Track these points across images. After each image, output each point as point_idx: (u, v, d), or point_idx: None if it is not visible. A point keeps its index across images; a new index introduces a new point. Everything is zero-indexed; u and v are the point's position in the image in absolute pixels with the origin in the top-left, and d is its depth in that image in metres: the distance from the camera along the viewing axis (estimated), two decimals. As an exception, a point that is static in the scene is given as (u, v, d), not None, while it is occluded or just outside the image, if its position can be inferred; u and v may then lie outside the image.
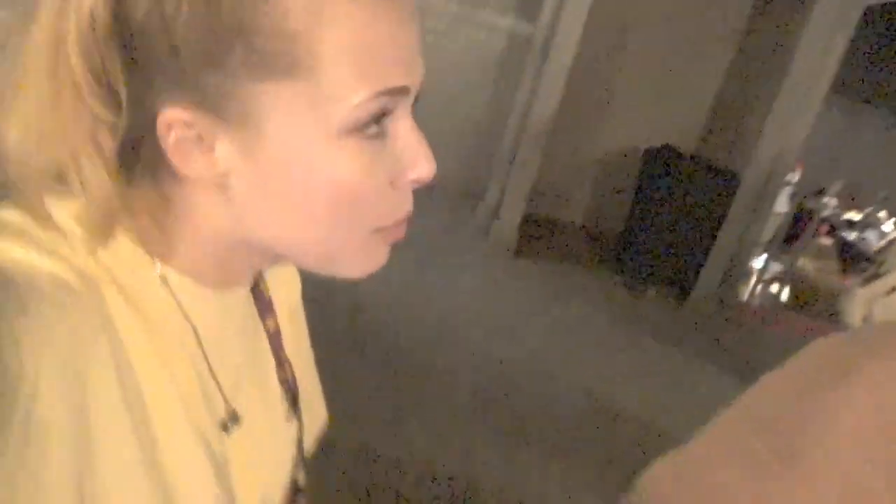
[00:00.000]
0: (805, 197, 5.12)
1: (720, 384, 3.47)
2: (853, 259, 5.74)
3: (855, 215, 6.50)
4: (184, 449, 0.46)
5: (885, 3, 3.69)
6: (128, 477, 0.42)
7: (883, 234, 6.37)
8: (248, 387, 0.54)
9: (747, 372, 3.49)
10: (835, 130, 5.66)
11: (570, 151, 4.77)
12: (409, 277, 3.61)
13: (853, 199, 6.50)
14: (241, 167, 0.42)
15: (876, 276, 2.61)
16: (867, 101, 5.78)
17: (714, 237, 4.25)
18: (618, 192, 4.80)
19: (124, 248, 0.44)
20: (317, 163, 0.42)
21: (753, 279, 4.90)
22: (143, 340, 0.44)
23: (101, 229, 0.42)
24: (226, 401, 0.51)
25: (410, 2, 0.44)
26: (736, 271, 4.43)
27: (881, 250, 5.55)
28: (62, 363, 0.37)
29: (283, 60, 0.40)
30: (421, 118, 0.47)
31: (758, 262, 4.84)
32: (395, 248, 0.50)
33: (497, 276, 3.99)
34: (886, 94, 5.92)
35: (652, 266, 4.34)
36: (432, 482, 2.34)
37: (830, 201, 5.41)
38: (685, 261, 4.31)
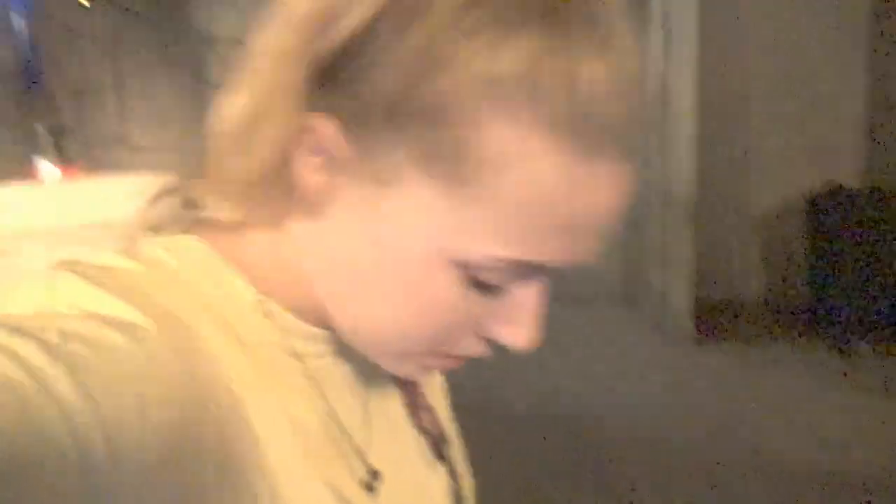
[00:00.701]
0: None
1: None
2: None
3: None
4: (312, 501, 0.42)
5: None
6: None
7: None
8: (380, 436, 0.50)
9: None
10: None
11: (725, 224, 4.48)
12: (593, 388, 3.44)
13: None
14: (346, 206, 0.40)
15: None
16: None
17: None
18: (791, 251, 4.40)
19: (222, 278, 0.42)
20: (411, 264, 0.39)
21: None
22: (253, 378, 0.40)
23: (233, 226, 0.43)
24: (361, 455, 0.47)
25: (626, 180, 0.39)
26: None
27: None
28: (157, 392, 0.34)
29: (450, 168, 0.36)
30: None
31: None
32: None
33: (681, 367, 3.69)
34: None
35: (858, 319, 3.85)
36: None
37: None
38: (893, 303, 3.79)
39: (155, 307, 0.37)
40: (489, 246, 0.37)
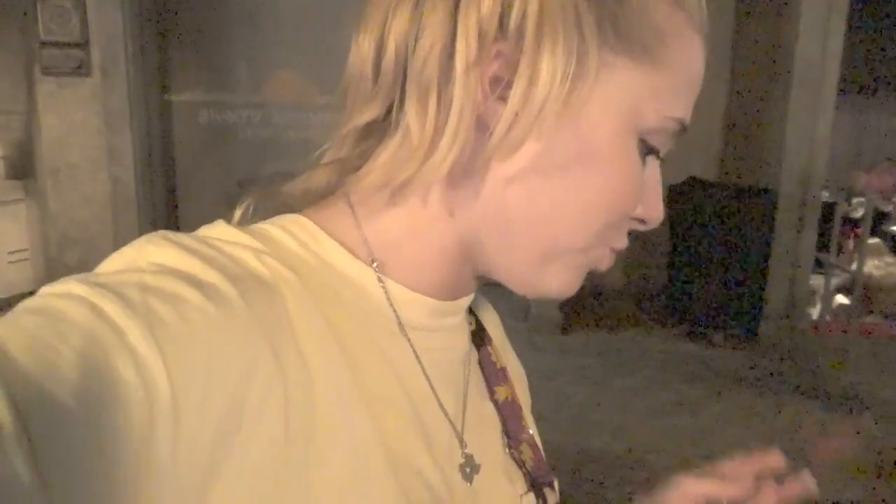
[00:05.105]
0: (835, 202, 4.84)
1: (820, 417, 3.18)
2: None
3: (884, 205, 6.24)
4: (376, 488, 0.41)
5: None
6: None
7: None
8: (471, 431, 0.50)
9: (841, 394, 3.21)
10: (842, 127, 5.48)
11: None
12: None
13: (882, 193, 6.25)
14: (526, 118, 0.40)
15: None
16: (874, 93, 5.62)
17: (766, 261, 3.94)
18: (653, 241, 4.51)
19: (326, 249, 0.44)
20: (605, 143, 0.42)
21: (818, 297, 4.55)
22: (334, 350, 0.40)
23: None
24: (460, 440, 0.48)
25: None
26: (800, 291, 4.09)
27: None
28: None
29: (640, 44, 0.41)
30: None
31: (814, 279, 4.50)
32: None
33: (549, 357, 3.66)
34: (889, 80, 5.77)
35: (712, 308, 4.00)
36: None
37: (860, 201, 5.12)
38: (744, 294, 3.98)
39: (241, 270, 0.38)
40: (669, 108, 0.43)
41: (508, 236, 0.44)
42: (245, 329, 0.36)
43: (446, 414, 0.47)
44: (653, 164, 0.46)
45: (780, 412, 3.24)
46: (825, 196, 4.85)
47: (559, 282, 0.46)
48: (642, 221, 0.46)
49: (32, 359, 0.29)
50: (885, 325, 4.45)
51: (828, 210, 4.98)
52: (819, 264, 4.61)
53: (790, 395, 3.38)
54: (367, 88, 0.43)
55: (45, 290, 0.34)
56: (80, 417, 0.28)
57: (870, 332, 4.29)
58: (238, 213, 0.46)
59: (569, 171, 0.42)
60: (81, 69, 3.71)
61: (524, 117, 0.40)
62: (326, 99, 4.42)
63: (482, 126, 0.41)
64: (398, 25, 0.41)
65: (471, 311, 0.55)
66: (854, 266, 4.60)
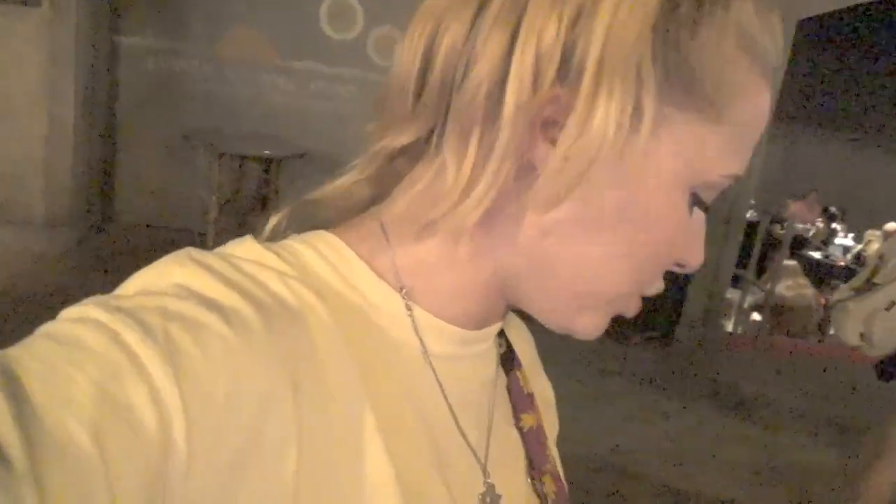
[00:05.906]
0: (759, 222, 5.08)
1: (719, 421, 3.35)
2: (824, 275, 5.76)
3: (806, 230, 6.57)
4: None
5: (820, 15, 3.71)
6: None
7: (846, 249, 6.44)
8: (494, 462, 0.48)
9: (740, 402, 3.39)
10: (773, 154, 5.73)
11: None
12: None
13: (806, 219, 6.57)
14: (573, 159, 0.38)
15: (868, 289, 2.39)
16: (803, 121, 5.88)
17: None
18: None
19: (353, 271, 0.42)
20: (656, 203, 0.41)
21: (733, 311, 4.79)
22: (355, 377, 0.39)
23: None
24: (483, 469, 0.47)
25: None
26: (716, 305, 4.31)
27: (854, 264, 5.52)
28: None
29: (708, 101, 0.39)
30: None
31: (732, 293, 4.74)
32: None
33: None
34: (822, 113, 6.05)
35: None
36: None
37: (788, 225, 5.38)
38: (664, 300, 4.16)
39: (265, 295, 0.37)
40: (727, 166, 0.41)
41: (544, 282, 0.43)
42: (266, 358, 0.35)
43: (468, 443, 0.46)
44: (698, 214, 0.44)
45: (685, 412, 3.42)
46: (752, 216, 5.09)
47: (589, 325, 0.45)
48: (681, 265, 0.45)
49: (47, 389, 0.28)
50: (791, 342, 4.72)
51: (752, 230, 5.23)
52: (738, 280, 4.84)
53: (696, 398, 3.56)
54: (408, 105, 0.41)
55: (64, 313, 0.33)
56: (91, 452, 0.27)
57: (777, 348, 4.55)
58: (270, 226, 0.45)
59: (615, 224, 0.40)
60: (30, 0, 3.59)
61: (571, 169, 0.37)
62: (283, 62, 4.38)
63: (527, 169, 0.39)
64: (448, 45, 0.39)
65: (501, 332, 0.52)
66: (769, 285, 4.85)
